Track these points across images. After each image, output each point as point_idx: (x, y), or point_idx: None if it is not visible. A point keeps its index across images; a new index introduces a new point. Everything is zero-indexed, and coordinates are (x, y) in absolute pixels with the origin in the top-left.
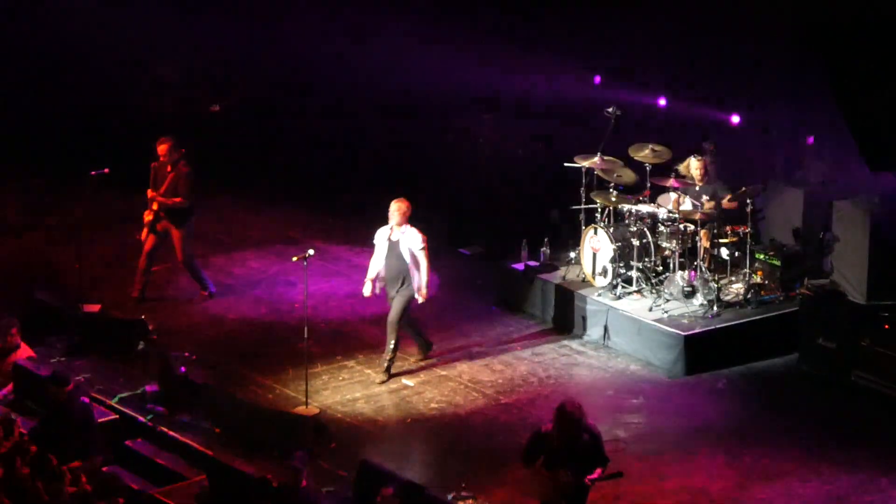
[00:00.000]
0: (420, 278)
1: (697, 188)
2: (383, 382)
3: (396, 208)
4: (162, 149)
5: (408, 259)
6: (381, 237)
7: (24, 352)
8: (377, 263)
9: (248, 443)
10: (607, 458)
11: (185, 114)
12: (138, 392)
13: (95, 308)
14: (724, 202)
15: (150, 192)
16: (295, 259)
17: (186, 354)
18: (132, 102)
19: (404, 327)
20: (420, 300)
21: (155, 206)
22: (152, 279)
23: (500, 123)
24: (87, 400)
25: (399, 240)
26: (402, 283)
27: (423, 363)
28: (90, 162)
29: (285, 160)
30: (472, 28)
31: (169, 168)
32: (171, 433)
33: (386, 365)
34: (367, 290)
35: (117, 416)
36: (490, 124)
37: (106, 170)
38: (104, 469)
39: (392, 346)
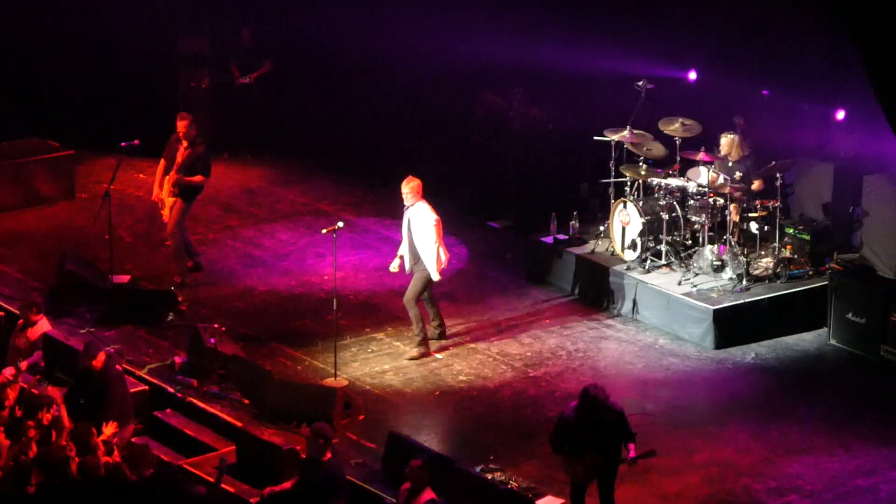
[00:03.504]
0: (430, 257)
1: (730, 164)
2: (414, 358)
3: (405, 187)
4: (182, 124)
5: (420, 236)
6: (405, 215)
7: (42, 327)
8: (403, 241)
9: (277, 414)
10: (633, 433)
11: (215, 86)
12: (167, 363)
13: (125, 279)
14: (753, 186)
15: (173, 174)
16: (324, 231)
17: (216, 326)
18: (163, 73)
19: (426, 305)
20: (436, 279)
21: (170, 184)
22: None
23: (529, 97)
24: (119, 369)
25: (411, 218)
26: (418, 261)
27: (446, 339)
28: (121, 133)
29: (315, 132)
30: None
31: (186, 144)
32: (200, 404)
33: (419, 339)
34: (393, 266)
35: (146, 387)
36: (519, 98)
37: (136, 141)
38: (134, 440)
39: (415, 322)
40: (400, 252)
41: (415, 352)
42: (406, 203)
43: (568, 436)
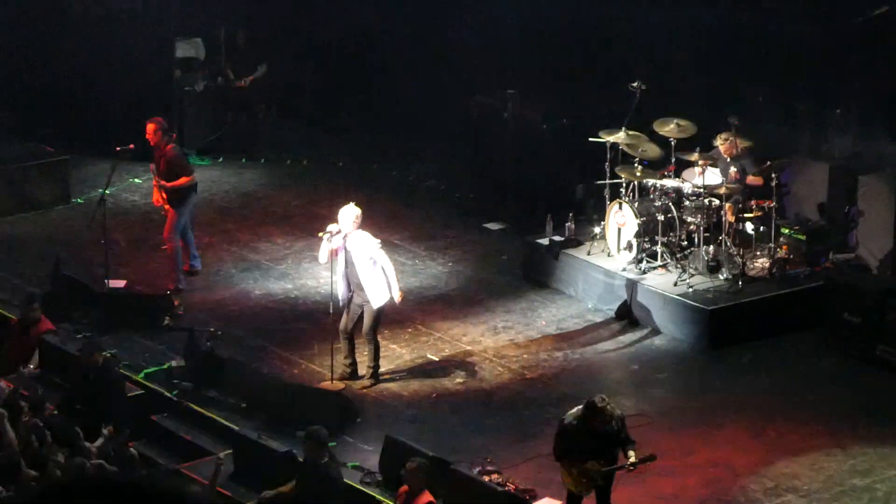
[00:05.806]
0: (388, 279)
1: (728, 161)
2: (365, 388)
3: (348, 218)
4: (148, 129)
5: (363, 266)
6: (342, 249)
7: (45, 325)
8: (341, 274)
9: (274, 418)
10: (633, 439)
11: (210, 89)
12: (164, 367)
13: (121, 284)
14: (749, 178)
15: (162, 183)
16: (320, 234)
17: (212, 330)
18: (158, 77)
19: (371, 337)
20: (397, 300)
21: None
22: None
23: (524, 98)
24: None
25: (350, 249)
26: (361, 293)
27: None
28: (116, 138)
29: (309, 135)
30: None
31: (158, 153)
32: (197, 408)
33: (371, 371)
34: (342, 297)
35: (143, 391)
36: (515, 99)
37: (131, 145)
38: (129, 444)
39: (373, 355)
40: (338, 289)
41: (366, 381)
42: (344, 231)
43: (570, 444)
